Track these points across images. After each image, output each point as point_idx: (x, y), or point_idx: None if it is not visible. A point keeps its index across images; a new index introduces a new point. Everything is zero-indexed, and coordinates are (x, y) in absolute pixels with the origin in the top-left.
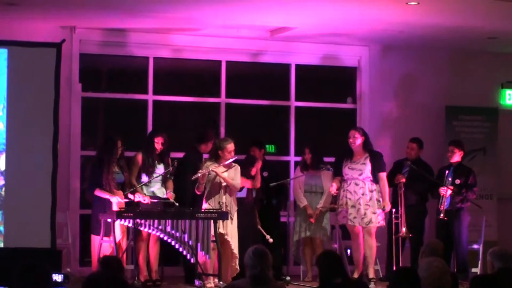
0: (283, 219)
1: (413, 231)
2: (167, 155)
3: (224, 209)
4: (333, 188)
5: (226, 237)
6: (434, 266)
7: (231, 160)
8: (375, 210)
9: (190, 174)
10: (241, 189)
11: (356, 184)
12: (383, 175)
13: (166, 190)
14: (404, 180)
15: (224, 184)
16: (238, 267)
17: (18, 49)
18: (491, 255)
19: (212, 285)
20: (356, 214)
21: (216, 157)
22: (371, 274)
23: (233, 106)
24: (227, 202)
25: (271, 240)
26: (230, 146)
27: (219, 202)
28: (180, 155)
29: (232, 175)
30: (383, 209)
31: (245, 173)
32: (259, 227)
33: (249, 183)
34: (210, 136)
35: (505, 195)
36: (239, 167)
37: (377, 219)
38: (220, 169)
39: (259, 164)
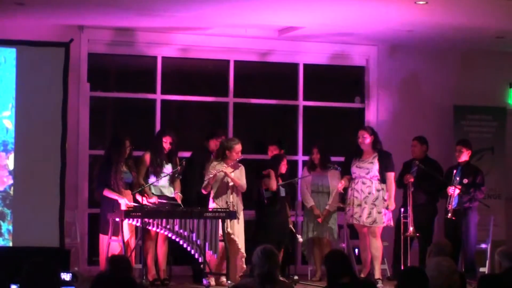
0: (291, 219)
1: (422, 230)
2: (175, 154)
3: (231, 208)
4: (340, 186)
5: (232, 236)
6: (442, 266)
7: (237, 160)
8: (381, 210)
9: (198, 173)
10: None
11: (364, 183)
12: (390, 175)
13: (174, 190)
14: (412, 179)
15: (231, 184)
16: (245, 266)
17: (27, 49)
18: (499, 255)
19: (213, 283)
20: (362, 213)
21: (223, 157)
22: (377, 275)
23: (241, 105)
24: (234, 201)
25: (301, 239)
26: (238, 147)
27: (226, 202)
28: (187, 154)
29: (238, 175)
30: (387, 208)
31: (275, 172)
32: (291, 226)
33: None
34: (220, 133)
35: None
36: (243, 168)
37: (383, 219)
38: (228, 170)
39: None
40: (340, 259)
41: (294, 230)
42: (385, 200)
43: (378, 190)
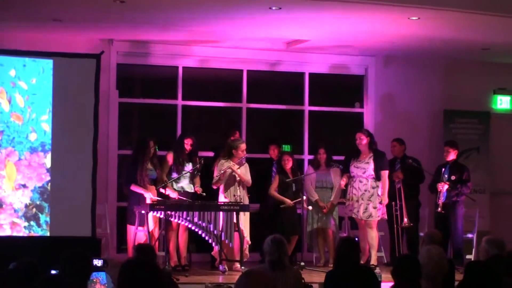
0: (298, 211)
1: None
2: (195, 154)
3: (238, 201)
4: (343, 183)
5: (240, 226)
6: (433, 253)
7: (243, 157)
8: (376, 205)
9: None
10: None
11: (360, 181)
12: (384, 173)
13: (194, 186)
14: (402, 176)
15: (238, 179)
16: (248, 253)
17: (63, 60)
18: (487, 243)
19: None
20: (359, 208)
21: (229, 156)
22: (373, 261)
23: (253, 110)
24: (241, 195)
25: (310, 207)
26: (243, 146)
27: (234, 195)
28: (206, 154)
29: (244, 171)
30: (380, 203)
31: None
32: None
33: None
34: (234, 132)
35: (496, 190)
36: (247, 165)
37: (377, 213)
38: (235, 167)
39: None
40: (352, 245)
41: (310, 208)
42: (379, 196)
43: (373, 188)
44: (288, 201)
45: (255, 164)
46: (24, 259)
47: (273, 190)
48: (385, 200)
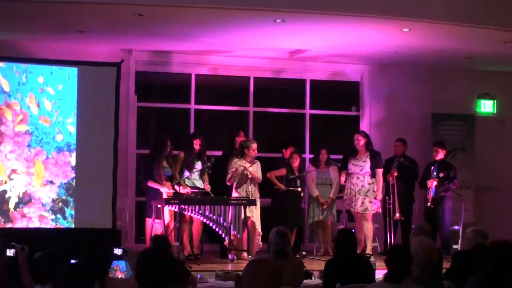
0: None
1: (403, 215)
2: (204, 153)
3: (250, 197)
4: (343, 179)
5: (252, 219)
6: (424, 244)
7: (254, 156)
8: (372, 200)
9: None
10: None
11: (358, 178)
12: (379, 171)
13: (203, 182)
14: (396, 173)
15: (250, 176)
16: (261, 243)
17: (86, 68)
18: (472, 233)
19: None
20: (356, 202)
21: (242, 155)
22: (368, 250)
23: (259, 113)
24: (253, 190)
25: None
26: (254, 145)
27: (246, 191)
28: (216, 153)
29: (255, 169)
30: (375, 198)
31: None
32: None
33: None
34: (239, 132)
35: (480, 186)
36: (259, 163)
37: (373, 207)
38: (247, 165)
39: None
40: (350, 237)
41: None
42: (374, 191)
43: (369, 184)
44: (281, 186)
45: (262, 163)
46: (49, 249)
47: (272, 174)
48: (379, 196)
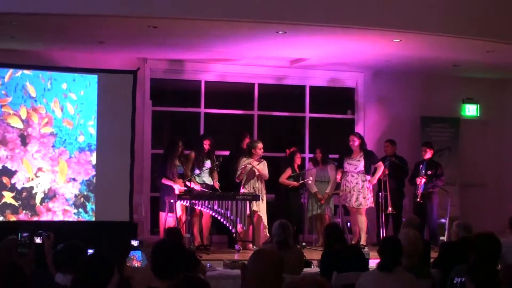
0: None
1: (394, 209)
2: (213, 153)
3: (257, 193)
4: (338, 177)
5: (258, 213)
6: (409, 236)
7: (261, 155)
8: (365, 195)
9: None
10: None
11: (352, 176)
12: (379, 164)
13: (213, 180)
14: (387, 171)
15: (257, 173)
16: (268, 234)
17: (105, 75)
18: (457, 226)
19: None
20: (351, 198)
21: (249, 154)
22: (363, 241)
23: (263, 116)
24: (259, 187)
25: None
26: (260, 145)
27: (253, 187)
28: (223, 153)
29: (262, 167)
30: (369, 181)
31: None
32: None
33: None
34: (245, 134)
35: (465, 182)
36: (265, 161)
37: (366, 202)
38: (254, 163)
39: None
40: (335, 230)
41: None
42: (368, 188)
43: (363, 181)
44: (294, 183)
45: (266, 161)
46: (70, 241)
47: (283, 178)
48: (373, 181)
